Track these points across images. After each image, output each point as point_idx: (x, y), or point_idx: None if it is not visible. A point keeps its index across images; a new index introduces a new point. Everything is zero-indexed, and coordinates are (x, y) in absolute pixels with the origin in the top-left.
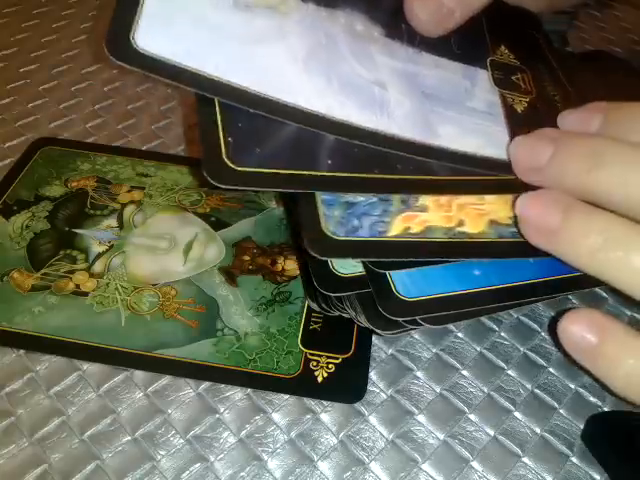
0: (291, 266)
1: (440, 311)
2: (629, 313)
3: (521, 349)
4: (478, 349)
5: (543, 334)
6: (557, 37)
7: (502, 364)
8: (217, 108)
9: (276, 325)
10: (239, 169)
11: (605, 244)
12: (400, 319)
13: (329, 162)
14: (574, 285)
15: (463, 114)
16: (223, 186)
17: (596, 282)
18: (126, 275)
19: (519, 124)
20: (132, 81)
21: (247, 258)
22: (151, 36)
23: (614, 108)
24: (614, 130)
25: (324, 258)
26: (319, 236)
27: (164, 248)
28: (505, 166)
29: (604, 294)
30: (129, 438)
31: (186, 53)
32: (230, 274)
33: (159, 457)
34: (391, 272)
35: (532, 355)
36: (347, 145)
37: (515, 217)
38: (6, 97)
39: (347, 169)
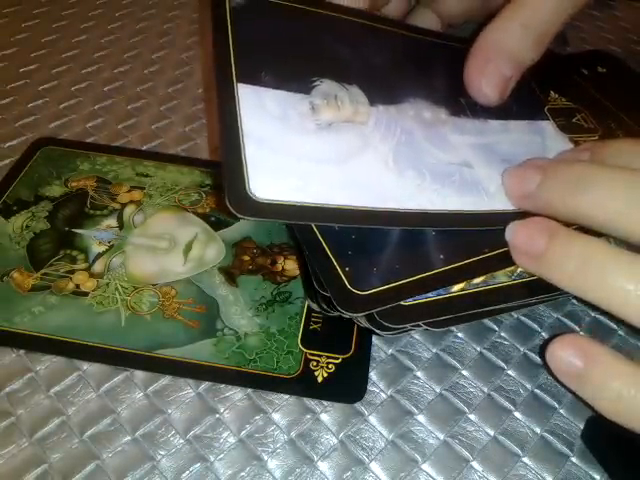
0: (291, 266)
1: (440, 315)
2: None
3: (521, 349)
4: (478, 349)
5: (543, 334)
6: (557, 37)
7: (502, 364)
8: (324, 243)
9: (276, 325)
10: (367, 293)
11: (583, 266)
12: (398, 326)
13: (441, 257)
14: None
15: None
16: (359, 314)
17: None
18: (126, 275)
19: None
20: (132, 81)
21: (247, 258)
22: (263, 184)
23: (599, 147)
24: (550, 188)
25: (398, 326)
26: (389, 307)
27: (164, 248)
28: None
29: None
30: (129, 438)
31: (299, 190)
32: (230, 274)
33: (159, 457)
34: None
35: (532, 355)
36: (454, 234)
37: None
38: (6, 97)
39: (460, 258)
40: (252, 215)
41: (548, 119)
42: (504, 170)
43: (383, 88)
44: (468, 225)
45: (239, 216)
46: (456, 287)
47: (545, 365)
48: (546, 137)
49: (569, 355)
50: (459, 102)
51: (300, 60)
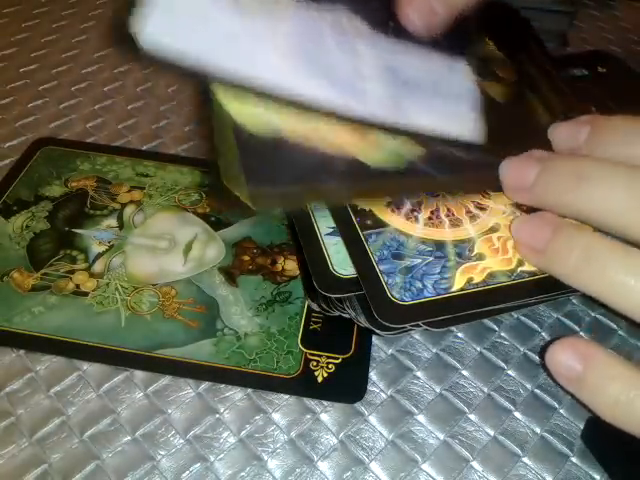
0: (291, 266)
1: (439, 314)
2: None
3: (521, 349)
4: (478, 349)
5: (543, 334)
6: (557, 37)
7: (502, 364)
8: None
9: (276, 325)
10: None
11: (586, 260)
12: (398, 326)
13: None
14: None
15: (439, 101)
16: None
17: None
18: (126, 275)
19: (496, 113)
20: (132, 81)
21: (247, 258)
22: (152, 28)
23: (599, 121)
24: (598, 141)
25: (397, 326)
26: (388, 307)
27: (164, 248)
28: (473, 148)
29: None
30: (129, 438)
31: (185, 44)
32: (230, 274)
33: (159, 457)
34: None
35: (532, 355)
36: (353, 164)
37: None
38: (6, 97)
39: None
40: (148, 59)
41: (468, 60)
42: (503, 162)
43: None
44: (328, 114)
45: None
46: (455, 287)
47: (545, 367)
48: (456, 74)
49: (568, 358)
50: (387, 24)
51: None
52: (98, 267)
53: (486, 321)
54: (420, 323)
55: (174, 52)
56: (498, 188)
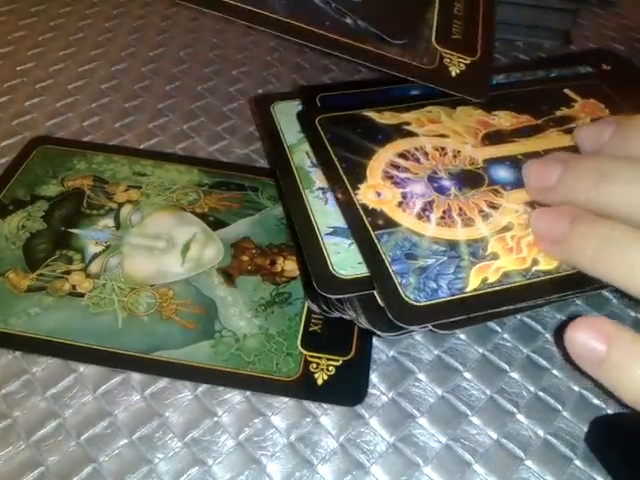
0: (290, 267)
1: (452, 316)
2: (633, 314)
3: (524, 351)
4: (480, 351)
5: (547, 336)
6: (560, 35)
7: (505, 366)
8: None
9: (275, 327)
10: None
11: (605, 247)
12: (413, 327)
13: None
14: (583, 283)
15: None
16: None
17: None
18: (123, 276)
19: None
20: (129, 79)
21: (246, 258)
22: None
23: (623, 120)
24: (621, 141)
25: (413, 327)
26: (403, 308)
27: (161, 248)
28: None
29: (609, 295)
30: (126, 441)
31: None
32: (228, 275)
33: (156, 460)
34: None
35: (535, 357)
36: None
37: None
38: (2, 95)
39: None
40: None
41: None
42: (526, 164)
43: None
44: None
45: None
46: (470, 287)
47: (563, 349)
48: None
49: (588, 338)
50: None
51: None
52: (95, 268)
53: (489, 322)
54: (429, 325)
55: None
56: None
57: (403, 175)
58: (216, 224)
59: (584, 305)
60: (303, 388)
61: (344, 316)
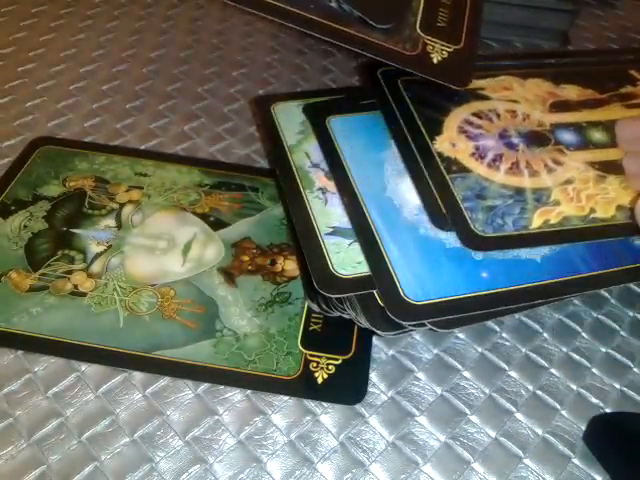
0: (291, 266)
1: (449, 314)
2: (631, 314)
3: (522, 350)
4: (479, 350)
5: (545, 335)
6: (558, 35)
7: (503, 365)
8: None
9: (276, 326)
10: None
11: None
12: (409, 323)
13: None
14: (581, 287)
15: None
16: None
17: (605, 283)
18: (124, 275)
19: None
20: (131, 80)
21: (246, 258)
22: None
23: None
24: None
25: (479, 253)
26: (473, 235)
27: (163, 248)
28: None
29: (607, 294)
30: (128, 440)
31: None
32: (229, 274)
33: (158, 459)
34: (398, 276)
35: (533, 356)
36: None
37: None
38: (4, 96)
39: None
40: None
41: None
42: (619, 121)
43: None
44: None
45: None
46: (534, 225)
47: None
48: None
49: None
50: None
51: None
52: (96, 267)
53: (487, 322)
54: (426, 322)
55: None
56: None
57: (477, 131)
58: (217, 224)
59: (582, 305)
60: (303, 387)
61: (344, 315)
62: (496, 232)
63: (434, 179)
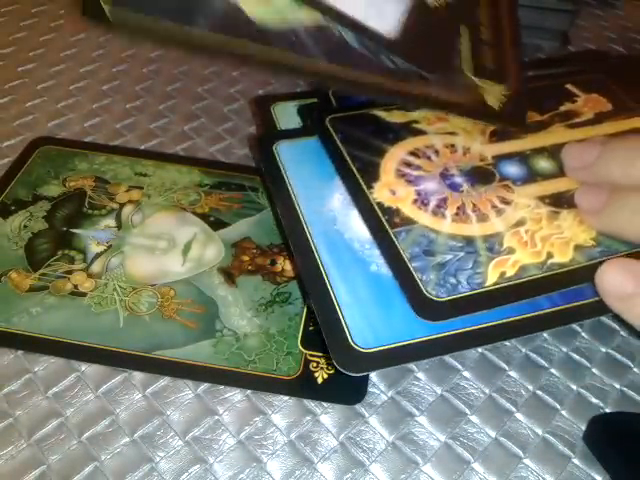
0: (291, 266)
1: (403, 362)
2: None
3: (523, 350)
4: (479, 350)
5: (545, 335)
6: (558, 36)
7: (504, 365)
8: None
9: (276, 326)
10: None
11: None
12: (357, 374)
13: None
14: (544, 324)
15: None
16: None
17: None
18: (124, 275)
19: (419, 18)
20: (130, 80)
21: (246, 258)
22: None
23: (611, 143)
24: (609, 158)
25: (436, 322)
26: (425, 301)
27: (163, 248)
28: (376, 41)
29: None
30: (128, 440)
31: None
32: (229, 274)
33: (158, 459)
34: (347, 320)
35: (534, 356)
36: (233, 11)
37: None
38: (4, 96)
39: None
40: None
41: None
42: (566, 146)
43: None
44: None
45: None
46: (489, 281)
47: (593, 285)
48: None
49: (619, 276)
50: None
51: None
52: (96, 267)
53: None
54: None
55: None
56: (375, 92)
57: (416, 173)
58: (217, 224)
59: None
60: (303, 387)
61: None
62: (450, 295)
63: (377, 237)
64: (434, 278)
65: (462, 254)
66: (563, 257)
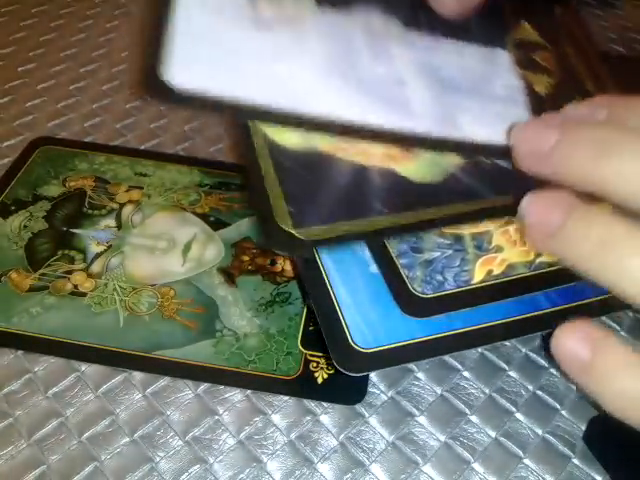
0: (291, 267)
1: (402, 362)
2: (631, 314)
3: (522, 350)
4: (479, 350)
5: (544, 335)
6: None
7: (504, 365)
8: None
9: (276, 326)
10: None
11: (603, 247)
12: (357, 374)
13: (384, 210)
14: (541, 325)
15: (483, 102)
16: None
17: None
18: (124, 275)
19: (541, 107)
20: (130, 80)
21: (246, 258)
22: (182, 72)
23: (619, 101)
24: (571, 149)
25: (420, 318)
26: (410, 297)
27: (163, 248)
28: None
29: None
30: (128, 439)
31: (217, 83)
32: (229, 274)
33: (158, 459)
34: (347, 320)
35: (533, 356)
36: (397, 184)
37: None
38: (4, 96)
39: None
40: (175, 103)
41: (506, 49)
42: (514, 125)
43: None
44: (375, 138)
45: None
46: (476, 279)
47: (549, 356)
48: (496, 67)
49: (575, 344)
50: (418, 16)
51: None
52: (96, 267)
53: None
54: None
55: (206, 90)
56: None
57: None
58: (217, 224)
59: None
60: (303, 387)
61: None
62: (436, 291)
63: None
64: (420, 275)
65: (450, 252)
66: (552, 256)
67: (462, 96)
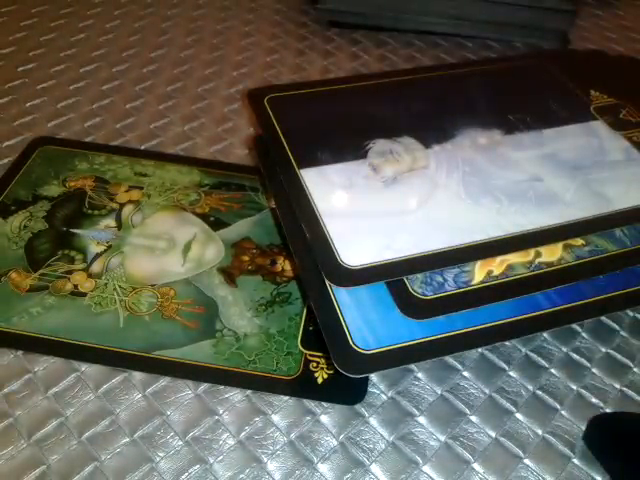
0: (291, 267)
1: (403, 363)
2: (631, 314)
3: (522, 350)
4: (479, 350)
5: (544, 335)
6: (558, 36)
7: (503, 365)
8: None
9: (276, 326)
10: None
11: None
12: (357, 376)
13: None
14: (541, 325)
15: (613, 170)
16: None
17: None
18: (124, 275)
19: None
20: (130, 80)
21: (246, 258)
22: (354, 252)
23: None
24: None
25: (420, 320)
26: (410, 299)
27: (163, 248)
28: None
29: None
30: (128, 439)
31: (386, 248)
32: (229, 274)
33: (158, 459)
34: (347, 321)
35: (533, 356)
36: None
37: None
38: (4, 96)
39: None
40: (354, 284)
41: (597, 119)
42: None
43: (433, 129)
44: (549, 239)
45: (341, 287)
46: (476, 280)
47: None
48: (601, 137)
49: None
50: (508, 120)
51: (347, 131)
52: (96, 267)
53: None
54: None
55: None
56: None
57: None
58: (217, 224)
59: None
60: (303, 387)
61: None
62: (436, 293)
63: None
64: (420, 276)
65: None
66: (551, 256)
67: (592, 171)
